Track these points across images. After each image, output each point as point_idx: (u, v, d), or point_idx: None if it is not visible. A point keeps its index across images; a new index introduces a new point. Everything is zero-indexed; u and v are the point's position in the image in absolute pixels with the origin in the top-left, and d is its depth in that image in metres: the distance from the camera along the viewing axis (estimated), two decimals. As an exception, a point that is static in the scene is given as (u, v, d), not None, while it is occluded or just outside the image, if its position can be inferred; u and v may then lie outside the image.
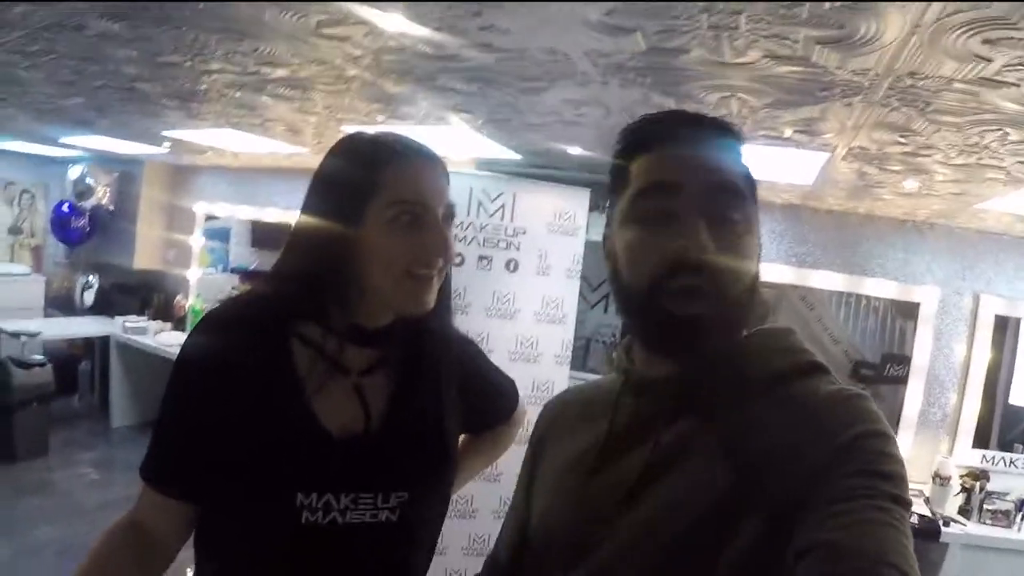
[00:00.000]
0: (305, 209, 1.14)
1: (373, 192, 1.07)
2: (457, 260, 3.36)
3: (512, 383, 1.53)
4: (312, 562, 1.10)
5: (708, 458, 0.81)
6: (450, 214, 1.15)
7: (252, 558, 1.10)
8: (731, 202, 0.86)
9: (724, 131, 0.90)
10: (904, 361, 4.08)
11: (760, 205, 0.93)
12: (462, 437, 1.46)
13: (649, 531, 0.82)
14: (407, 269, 1.09)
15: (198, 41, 2.06)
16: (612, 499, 0.87)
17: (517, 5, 1.48)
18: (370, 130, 1.18)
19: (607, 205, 0.98)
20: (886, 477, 0.71)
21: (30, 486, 4.64)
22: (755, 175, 0.91)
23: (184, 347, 1.12)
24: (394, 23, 1.70)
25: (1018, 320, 4.00)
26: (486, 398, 1.44)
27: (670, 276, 0.82)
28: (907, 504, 0.70)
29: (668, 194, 0.84)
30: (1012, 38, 1.30)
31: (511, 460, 3.42)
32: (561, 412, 1.12)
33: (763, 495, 0.74)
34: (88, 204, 6.53)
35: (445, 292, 1.22)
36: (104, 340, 6.10)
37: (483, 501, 3.47)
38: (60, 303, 7.30)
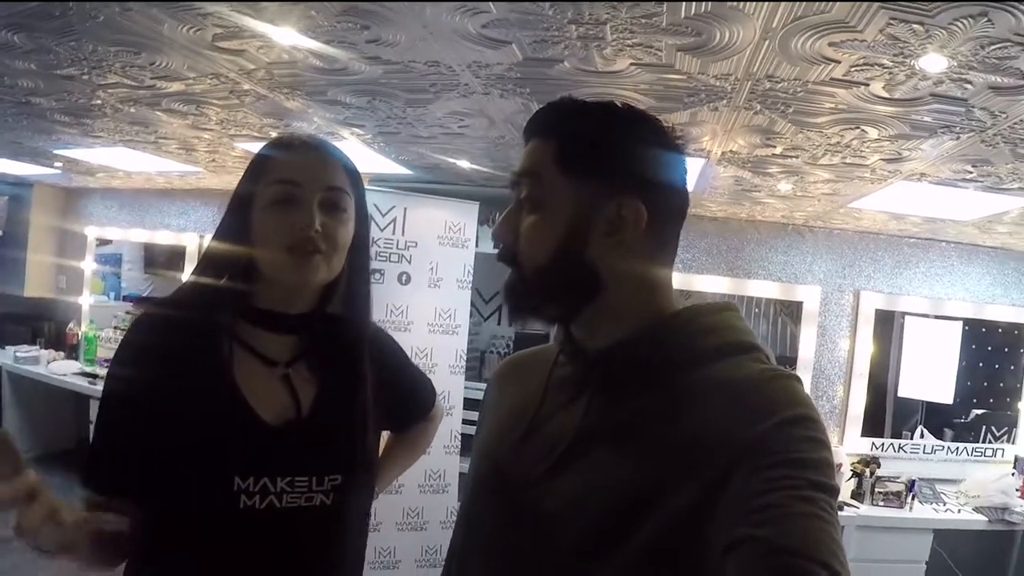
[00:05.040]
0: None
1: (260, 176, 1.16)
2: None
3: (427, 380, 1.57)
4: (251, 547, 1.13)
5: (625, 439, 0.82)
6: (333, 199, 1.19)
7: (192, 548, 1.12)
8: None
9: None
10: (796, 363, 4.27)
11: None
12: (386, 435, 1.51)
13: (566, 512, 0.82)
14: (284, 245, 1.14)
15: (96, 53, 2.05)
16: (538, 469, 0.87)
17: (402, 17, 1.55)
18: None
19: None
20: (809, 465, 0.71)
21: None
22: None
23: (117, 353, 1.16)
24: (287, 36, 1.75)
25: (903, 316, 4.26)
26: (405, 392, 1.49)
27: None
28: (832, 490, 0.70)
29: None
30: (855, 40, 1.44)
31: (457, 472, 3.44)
32: (507, 373, 1.13)
33: (679, 480, 0.74)
34: (-25, 231, 6.22)
35: (363, 290, 1.28)
36: (-5, 371, 5.83)
37: (432, 513, 3.55)
38: (-52, 336, 6.94)
